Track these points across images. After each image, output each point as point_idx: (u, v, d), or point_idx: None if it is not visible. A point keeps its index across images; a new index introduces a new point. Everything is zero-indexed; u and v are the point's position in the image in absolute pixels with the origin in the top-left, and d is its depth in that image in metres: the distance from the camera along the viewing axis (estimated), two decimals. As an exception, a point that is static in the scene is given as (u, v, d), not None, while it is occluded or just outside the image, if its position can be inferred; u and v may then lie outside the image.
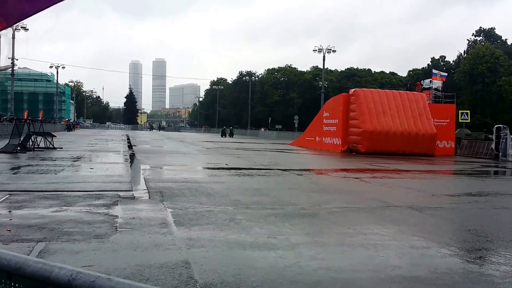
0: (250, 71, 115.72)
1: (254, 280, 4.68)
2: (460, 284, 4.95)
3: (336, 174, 17.13)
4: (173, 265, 5.07)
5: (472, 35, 77.48)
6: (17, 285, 0.53)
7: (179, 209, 8.25)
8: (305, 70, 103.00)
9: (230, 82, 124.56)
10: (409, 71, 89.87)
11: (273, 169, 16.98)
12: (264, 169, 17.10)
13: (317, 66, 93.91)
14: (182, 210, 8.17)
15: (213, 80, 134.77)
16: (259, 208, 8.79)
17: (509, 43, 72.59)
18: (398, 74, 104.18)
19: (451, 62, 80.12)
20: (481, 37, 75.57)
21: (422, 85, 38.90)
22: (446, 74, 42.50)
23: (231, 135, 66.33)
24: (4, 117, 38.95)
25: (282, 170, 16.81)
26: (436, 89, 37.10)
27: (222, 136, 66.32)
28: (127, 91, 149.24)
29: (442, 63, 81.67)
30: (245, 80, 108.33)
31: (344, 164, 22.20)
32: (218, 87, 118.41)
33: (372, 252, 6.09)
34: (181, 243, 6.01)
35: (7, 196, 8.97)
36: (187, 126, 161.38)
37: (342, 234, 7.10)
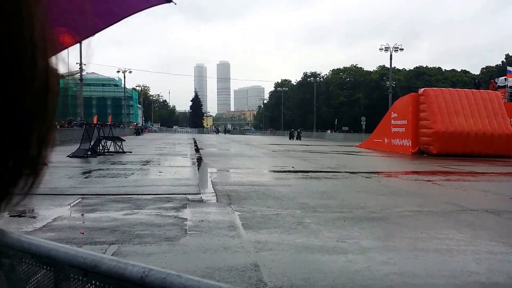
0: (314, 72, 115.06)
1: (324, 285, 4.61)
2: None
3: (406, 177, 16.60)
4: (243, 267, 5.10)
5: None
6: (93, 281, 0.54)
7: (247, 212, 8.30)
8: (372, 70, 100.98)
9: (295, 83, 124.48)
10: (482, 68, 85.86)
11: (340, 172, 16.73)
12: (332, 171, 16.89)
13: (384, 65, 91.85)
14: (249, 213, 8.21)
15: (277, 82, 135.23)
16: (327, 211, 8.67)
17: None
18: (470, 72, 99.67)
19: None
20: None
21: (496, 83, 36.99)
22: (510, 69, 40.12)
23: (298, 137, 66.21)
24: (74, 122, 40.85)
25: (350, 172, 16.51)
26: (511, 87, 35.10)
27: (290, 138, 66.31)
28: (192, 95, 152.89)
29: (519, 59, 77.23)
30: (309, 81, 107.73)
31: (415, 166, 21.48)
32: (283, 89, 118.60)
33: (447, 257, 5.83)
34: (250, 246, 6.03)
35: (79, 199, 9.41)
36: (252, 128, 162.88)
37: (415, 239, 6.85)
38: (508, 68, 42.37)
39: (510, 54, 79.58)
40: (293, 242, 6.27)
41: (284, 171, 16.76)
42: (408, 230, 7.43)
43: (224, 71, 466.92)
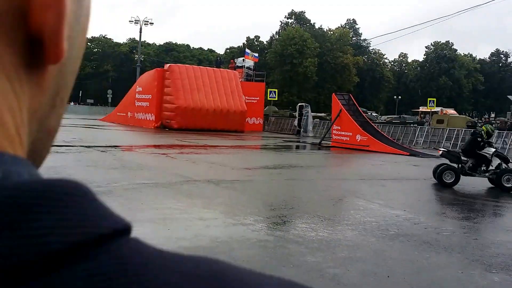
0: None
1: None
2: (237, 251, 5.31)
3: (143, 151, 16.98)
4: None
5: (285, 17, 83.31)
6: None
7: None
8: (122, 42, 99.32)
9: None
10: (226, 49, 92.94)
11: (75, 146, 16.08)
12: (65, 145, 16.09)
13: (134, 38, 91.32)
14: None
15: None
16: (47, 187, 8.23)
17: (316, 26, 79.85)
18: (216, 51, 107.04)
19: (265, 43, 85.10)
20: (292, 20, 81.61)
21: (235, 63, 40.55)
22: (257, 54, 44.98)
23: None
24: None
25: (86, 147, 16.04)
26: (248, 67, 39.04)
27: None
28: None
29: (256, 43, 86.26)
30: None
31: (154, 140, 22.13)
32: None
33: (160, 226, 6.20)
34: None
35: None
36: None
37: (134, 210, 7.07)
38: (247, 50, 46.95)
39: (251, 37, 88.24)
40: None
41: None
42: (129, 202, 7.63)
43: None
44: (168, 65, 33.78)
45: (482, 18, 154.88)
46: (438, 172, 11.29)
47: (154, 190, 8.79)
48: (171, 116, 30.62)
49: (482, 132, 11.72)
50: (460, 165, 11.56)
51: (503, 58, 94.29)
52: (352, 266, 4.96)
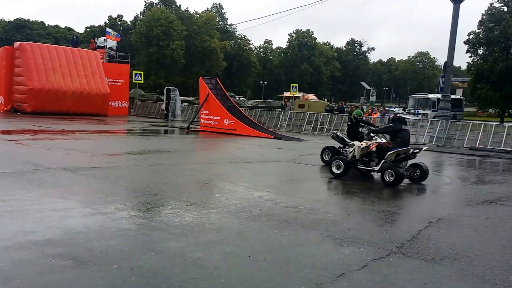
0: None
1: None
2: (94, 241, 5.07)
3: (-11, 137, 15.47)
4: None
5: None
6: None
7: None
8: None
9: None
10: (87, 27, 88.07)
11: None
12: None
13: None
14: None
15: None
16: None
17: (182, 9, 78.88)
18: (75, 30, 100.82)
19: (129, 23, 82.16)
20: (157, 0, 79.72)
21: (96, 43, 38.59)
22: (118, 34, 43.19)
23: None
24: None
25: None
26: (110, 48, 37.37)
27: None
28: None
29: (119, 23, 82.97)
30: None
31: (4, 126, 20.23)
32: None
33: (6, 219, 5.71)
34: None
35: None
36: None
37: (-24, 204, 6.41)
38: (108, 29, 44.86)
39: (113, 16, 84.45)
40: None
41: None
42: (-31, 195, 6.90)
43: None
44: (19, 43, 30.97)
45: (340, 8, 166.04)
46: (321, 152, 12.53)
47: (1, 180, 8.06)
48: (23, 99, 28.18)
49: (352, 118, 12.51)
50: (341, 147, 12.27)
51: (358, 47, 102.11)
52: (215, 249, 5.01)
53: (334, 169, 10.43)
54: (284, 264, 4.65)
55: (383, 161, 10.04)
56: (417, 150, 10.37)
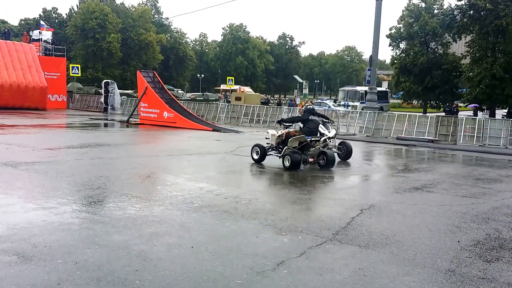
0: None
1: None
2: (38, 236, 4.94)
3: None
4: None
5: (81, -11, 77.93)
6: None
7: None
8: None
9: None
10: (21, 20, 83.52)
11: None
12: None
13: None
14: None
15: None
16: None
17: (117, 2, 76.44)
18: (9, 22, 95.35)
19: (64, 15, 78.74)
20: (92, -7, 76.80)
21: (31, 36, 36.80)
22: (49, 26, 41.36)
23: None
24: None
25: None
26: (46, 41, 35.76)
27: None
28: None
29: (54, 15, 79.37)
30: None
31: None
32: None
33: None
34: None
35: None
36: None
37: None
38: (41, 22, 42.89)
39: (48, 9, 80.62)
40: None
41: None
42: None
43: None
44: (-52, 35, 29.07)
45: (271, 2, 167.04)
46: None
47: None
48: (-46, 93, 26.53)
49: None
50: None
51: (289, 41, 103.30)
52: (158, 241, 5.02)
53: (254, 155, 11.10)
54: (226, 254, 4.74)
55: (286, 147, 10.48)
56: (317, 139, 10.91)
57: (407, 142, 18.15)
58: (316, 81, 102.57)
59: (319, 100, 46.13)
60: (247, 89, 52.58)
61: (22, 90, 28.67)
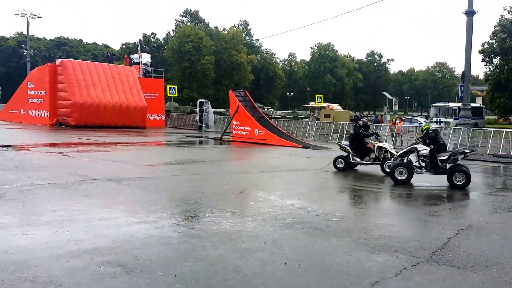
0: None
1: None
2: (139, 249, 5.14)
3: (38, 150, 15.87)
4: None
5: (180, 16, 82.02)
6: None
7: None
8: (9, 36, 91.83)
9: None
10: (122, 44, 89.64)
11: (-39, 147, 14.63)
12: (-51, 147, 14.59)
13: (22, 32, 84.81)
14: None
15: None
16: None
17: (211, 26, 79.69)
18: (111, 46, 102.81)
19: (161, 40, 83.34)
20: (187, 18, 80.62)
21: (131, 59, 39.27)
22: (148, 50, 43.79)
23: None
24: None
25: (-27, 147, 14.64)
26: (145, 64, 38.00)
27: None
28: None
29: (153, 40, 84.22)
30: None
31: (50, 139, 20.78)
32: None
33: (57, 229, 5.83)
34: None
35: None
36: None
37: (29, 213, 6.60)
38: (141, 46, 45.59)
39: (147, 34, 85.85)
40: None
41: None
42: (23, 205, 7.08)
43: None
44: (60, 60, 31.88)
45: (358, 21, 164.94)
46: (333, 161, 12.87)
47: (51, 191, 8.26)
48: (67, 113, 28.93)
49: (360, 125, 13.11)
50: (348, 155, 12.52)
51: (378, 58, 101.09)
52: (252, 256, 5.02)
53: (398, 176, 10.41)
54: (319, 272, 4.62)
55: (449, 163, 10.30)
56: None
57: (504, 160, 16.88)
58: (406, 97, 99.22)
59: (410, 117, 44.38)
60: (336, 106, 51.99)
61: (123, 110, 30.57)
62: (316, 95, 44.73)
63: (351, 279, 4.44)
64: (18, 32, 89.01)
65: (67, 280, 4.18)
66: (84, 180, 9.43)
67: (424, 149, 10.64)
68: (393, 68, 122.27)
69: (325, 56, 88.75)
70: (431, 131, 10.89)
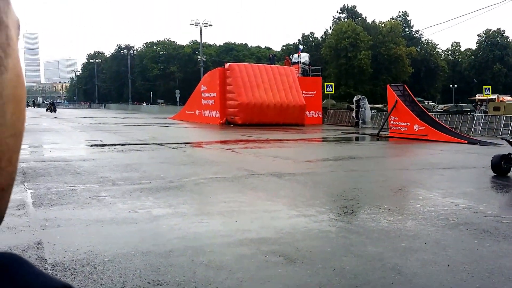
0: (128, 44, 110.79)
1: (106, 255, 4.63)
2: (300, 241, 5.35)
3: (210, 146, 17.35)
4: (24, 246, 4.85)
5: (337, 13, 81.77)
6: None
7: (41, 190, 7.82)
8: (185, 44, 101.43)
9: (108, 55, 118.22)
10: (283, 46, 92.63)
11: (149, 144, 16.70)
12: (140, 144, 16.75)
13: (196, 40, 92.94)
14: (43, 191, 7.75)
15: (90, 53, 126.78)
16: (126, 183, 8.63)
17: (368, 20, 77.89)
18: (273, 48, 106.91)
19: (319, 38, 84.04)
20: (344, 14, 79.96)
21: (291, 59, 40.33)
22: (301, 48, 44.37)
23: (53, 110, 55.80)
24: None
25: (158, 144, 16.60)
26: (304, 63, 38.73)
27: (46, 110, 58.47)
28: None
29: (311, 39, 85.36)
30: (123, 53, 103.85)
31: (220, 136, 22.53)
32: (96, 61, 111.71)
33: (227, 219, 6.34)
34: (36, 224, 5.73)
35: None
36: (65, 102, 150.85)
37: (204, 204, 7.29)
38: (300, 46, 46.56)
39: (306, 34, 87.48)
40: (84, 217, 6.13)
41: (91, 145, 16.08)
42: (199, 196, 7.86)
43: (31, 42, 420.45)
44: (228, 64, 34.19)
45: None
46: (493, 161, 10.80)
47: (222, 184, 8.99)
48: (234, 112, 31.01)
49: None
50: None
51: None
52: (413, 256, 4.87)
53: None
54: (487, 276, 4.30)
55: None
56: None
57: None
58: None
59: None
60: (507, 98, 46.80)
61: (284, 109, 31.65)
62: (484, 87, 40.87)
63: (524, 287, 4.05)
64: (192, 40, 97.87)
65: (236, 266, 4.54)
66: (250, 174, 10.06)
67: None
68: None
69: (494, 44, 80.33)
70: None
